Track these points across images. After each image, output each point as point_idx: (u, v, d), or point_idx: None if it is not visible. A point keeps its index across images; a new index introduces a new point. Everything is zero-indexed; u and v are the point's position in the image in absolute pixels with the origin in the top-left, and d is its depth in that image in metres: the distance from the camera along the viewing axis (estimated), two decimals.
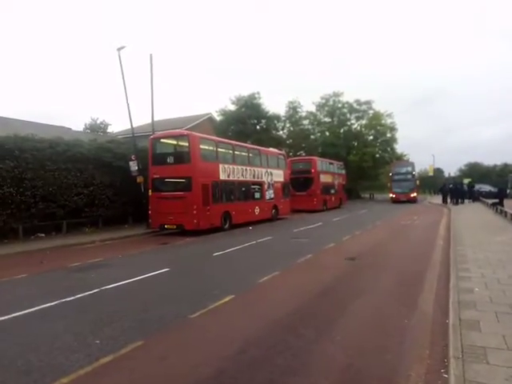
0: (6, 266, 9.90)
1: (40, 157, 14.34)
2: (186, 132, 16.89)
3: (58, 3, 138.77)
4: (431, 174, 59.14)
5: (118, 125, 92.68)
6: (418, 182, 39.43)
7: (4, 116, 24.15)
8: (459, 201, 30.29)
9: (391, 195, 39.38)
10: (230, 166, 17.46)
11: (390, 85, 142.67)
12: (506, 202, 23.57)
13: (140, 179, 16.86)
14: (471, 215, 20.23)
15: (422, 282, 7.23)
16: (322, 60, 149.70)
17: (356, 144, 46.62)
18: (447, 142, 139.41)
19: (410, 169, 39.92)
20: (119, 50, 16.90)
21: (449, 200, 31.99)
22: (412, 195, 37.95)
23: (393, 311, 5.66)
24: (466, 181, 39.70)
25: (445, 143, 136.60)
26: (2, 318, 5.60)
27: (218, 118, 37.48)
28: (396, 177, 39.09)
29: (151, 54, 18.36)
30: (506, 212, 18.01)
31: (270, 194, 20.99)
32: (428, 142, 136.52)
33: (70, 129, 27.61)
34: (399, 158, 49.67)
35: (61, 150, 15.26)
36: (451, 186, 33.37)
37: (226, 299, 6.33)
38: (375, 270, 8.50)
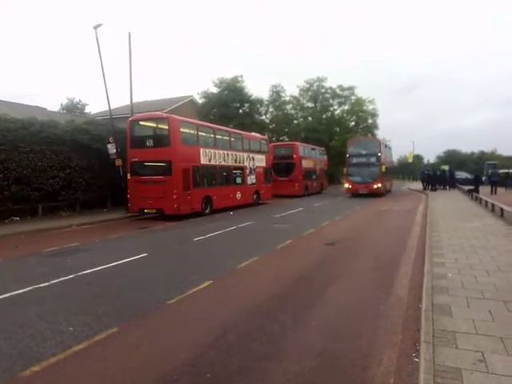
0: None
1: (12, 138, 13.80)
2: (165, 115, 16.54)
3: None
4: (411, 160, 60.25)
5: (95, 106, 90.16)
6: (384, 168, 27.06)
7: None
8: (437, 187, 30.99)
9: (346, 185, 28.30)
10: (212, 151, 17.26)
11: (375, 70, 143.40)
12: (481, 188, 24.21)
13: (118, 162, 16.49)
14: (448, 202, 20.73)
15: (398, 268, 7.38)
16: (307, 43, 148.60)
17: (338, 130, 46.84)
18: (429, 129, 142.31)
19: (374, 149, 27.75)
20: (96, 27, 16.25)
21: (425, 186, 32.70)
22: (375, 186, 26.60)
23: (368, 296, 5.76)
24: (444, 167, 40.66)
25: (426, 130, 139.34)
26: None
27: (200, 100, 36.88)
28: (354, 159, 27.87)
29: (129, 33, 17.81)
30: (480, 199, 18.52)
31: (251, 179, 20.93)
32: (410, 129, 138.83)
33: (44, 109, 26.64)
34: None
35: (35, 130, 14.72)
36: (429, 172, 34.05)
37: (205, 285, 6.31)
38: (353, 256, 8.63)
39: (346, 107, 48.07)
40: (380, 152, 27.40)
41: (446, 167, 41.06)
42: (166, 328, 4.73)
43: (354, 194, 27.03)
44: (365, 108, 46.83)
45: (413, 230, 12.06)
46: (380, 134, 48.97)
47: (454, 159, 72.78)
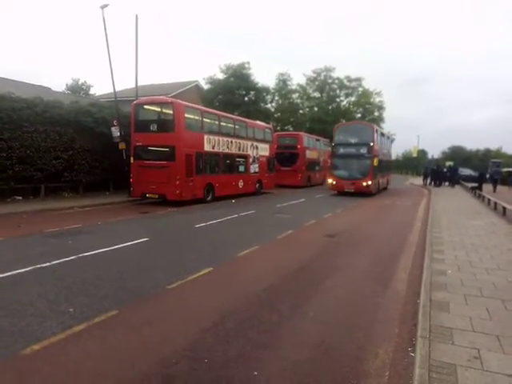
0: None
1: (17, 117, 13.77)
2: (170, 99, 16.43)
3: None
4: (415, 155, 59.86)
5: (100, 87, 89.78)
6: (376, 162, 21.88)
7: None
8: (440, 183, 30.89)
9: (329, 181, 23.29)
10: (215, 137, 17.19)
11: (384, 61, 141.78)
12: (484, 186, 24.14)
13: (122, 146, 16.47)
14: (450, 198, 20.68)
15: (397, 262, 7.41)
16: (316, 32, 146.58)
17: (344, 121, 46.50)
18: (435, 124, 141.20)
19: (366, 137, 22.53)
20: (103, 7, 16.04)
21: (428, 181, 32.57)
22: (364, 183, 21.61)
23: (367, 289, 5.79)
24: (448, 164, 40.43)
25: (432, 125, 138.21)
26: None
27: (206, 86, 36.55)
28: (341, 149, 22.76)
29: (137, 15, 17.60)
30: (483, 196, 18.46)
31: (254, 167, 20.90)
32: (416, 123, 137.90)
33: (49, 89, 26.46)
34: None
35: (39, 110, 14.68)
36: (433, 167, 33.87)
37: (205, 271, 6.36)
38: (353, 249, 8.65)
39: (353, 99, 47.54)
40: (372, 141, 21.96)
41: (450, 163, 40.80)
42: (165, 312, 4.77)
43: (340, 192, 22.34)
44: (372, 100, 46.37)
45: (414, 225, 12.06)
46: (386, 127, 48.68)
47: (458, 155, 72.32)
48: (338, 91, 47.46)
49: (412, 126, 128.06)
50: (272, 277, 6.27)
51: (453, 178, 31.36)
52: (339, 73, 47.25)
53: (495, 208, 14.83)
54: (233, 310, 4.84)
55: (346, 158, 22.36)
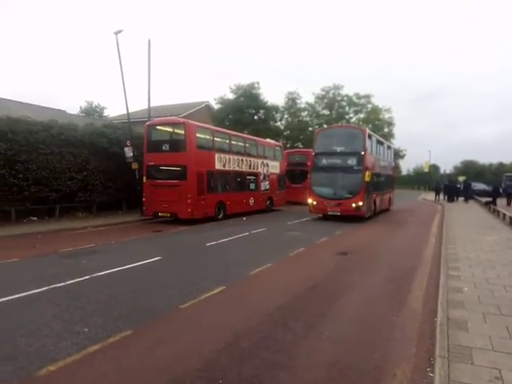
0: None
1: (33, 139, 14.15)
2: (182, 120, 16.73)
3: None
4: (427, 170, 59.32)
5: (113, 109, 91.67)
6: (368, 176, 17.13)
7: (1, 97, 23.82)
8: (454, 198, 30.47)
9: (310, 201, 17.86)
10: (226, 156, 17.37)
11: (392, 79, 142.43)
12: (498, 201, 23.74)
13: (135, 166, 16.74)
14: (464, 213, 20.37)
15: (412, 280, 7.28)
16: (324, 51, 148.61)
17: None
18: (446, 138, 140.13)
19: (355, 145, 17.55)
20: (117, 33, 16.60)
21: (441, 197, 32.16)
22: (354, 204, 16.63)
23: (382, 308, 5.70)
24: (461, 178, 39.96)
25: (443, 140, 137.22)
26: None
27: (216, 106, 37.19)
28: (323, 160, 17.84)
29: (149, 40, 18.13)
30: (498, 211, 18.14)
31: (265, 185, 20.97)
32: (427, 138, 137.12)
33: (64, 111, 27.24)
34: (396, 153, 49.63)
35: (55, 133, 15.07)
36: (446, 183, 33.51)
37: (217, 290, 6.34)
38: (366, 266, 8.54)
39: (362, 115, 47.74)
40: (364, 150, 16.84)
41: (464, 178, 40.31)
42: (178, 332, 4.77)
43: (324, 216, 17.46)
44: (381, 116, 46.51)
45: (428, 241, 11.88)
46: (396, 142, 48.58)
47: (471, 170, 71.46)
48: (346, 108, 47.78)
49: (423, 141, 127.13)
50: (285, 295, 6.22)
51: (466, 193, 30.91)
52: (348, 90, 47.57)
53: (510, 223, 14.55)
54: (246, 329, 4.80)
55: (329, 171, 17.22)
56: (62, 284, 6.59)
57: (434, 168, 75.02)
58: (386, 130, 46.70)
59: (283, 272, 7.90)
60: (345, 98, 47.10)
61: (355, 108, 47.62)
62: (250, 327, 4.87)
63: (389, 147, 24.69)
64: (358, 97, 46.93)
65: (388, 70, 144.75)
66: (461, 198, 30.96)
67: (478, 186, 38.86)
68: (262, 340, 4.46)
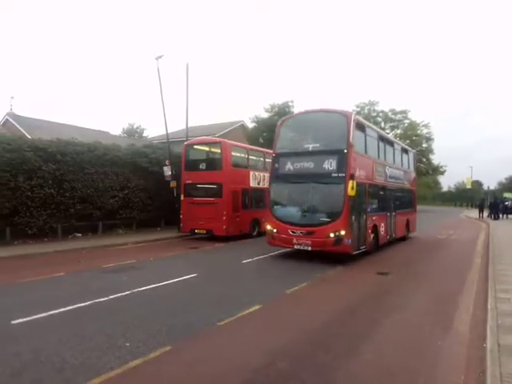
0: (45, 264, 10.37)
1: (79, 160, 14.99)
2: (218, 139, 17.16)
3: (99, 16, 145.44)
4: (469, 186, 56.83)
5: (152, 130, 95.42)
6: (353, 187, 9.88)
7: (50, 120, 25.62)
8: (499, 216, 28.88)
9: (269, 228, 11.56)
10: (261, 174, 17.52)
11: (432, 93, 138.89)
12: None
13: (173, 184, 17.26)
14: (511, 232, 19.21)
15: (458, 302, 6.93)
16: (359, 67, 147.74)
17: None
18: (489, 154, 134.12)
19: (336, 139, 11.00)
20: (157, 58, 17.44)
21: (486, 214, 30.61)
22: (332, 234, 10.24)
23: (426, 331, 5.45)
24: (508, 195, 37.87)
25: (487, 154, 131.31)
26: (42, 315, 5.85)
27: (251, 125, 37.79)
28: (287, 166, 11.54)
29: (187, 64, 18.86)
30: None
31: None
32: (468, 154, 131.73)
33: (107, 133, 28.73)
34: (435, 169, 47.93)
35: (99, 153, 15.90)
36: (491, 200, 31.93)
37: (254, 308, 6.34)
38: (408, 286, 8.24)
39: (399, 131, 46.78)
40: (348, 146, 10.60)
41: (507, 195, 38.17)
42: (216, 350, 4.79)
43: (288, 253, 12.07)
44: (419, 132, 45.35)
45: (473, 261, 11.29)
46: (436, 158, 47.05)
47: None
48: (382, 124, 47.00)
49: (465, 156, 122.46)
50: (324, 315, 6.11)
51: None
52: (384, 106, 46.83)
53: None
54: (284, 349, 4.75)
55: (296, 181, 11.27)
56: (105, 299, 6.82)
57: (477, 184, 71.70)
58: (424, 145, 45.45)
59: (321, 291, 7.79)
60: (380, 114, 46.45)
61: (391, 124, 46.78)
62: (287, 347, 4.81)
63: (405, 150, 17.63)
64: (394, 112, 46.13)
65: (428, 85, 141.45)
66: (509, 216, 29.30)
67: None
68: (300, 360, 4.40)
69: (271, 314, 6.26)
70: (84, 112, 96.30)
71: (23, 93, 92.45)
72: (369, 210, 11.87)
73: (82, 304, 6.47)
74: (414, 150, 20.73)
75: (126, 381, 3.93)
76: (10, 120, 25.45)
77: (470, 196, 60.96)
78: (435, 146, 45.84)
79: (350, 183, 9.94)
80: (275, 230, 11.36)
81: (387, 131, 47.02)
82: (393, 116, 46.36)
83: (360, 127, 11.81)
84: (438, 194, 79.52)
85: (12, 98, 27.90)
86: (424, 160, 45.76)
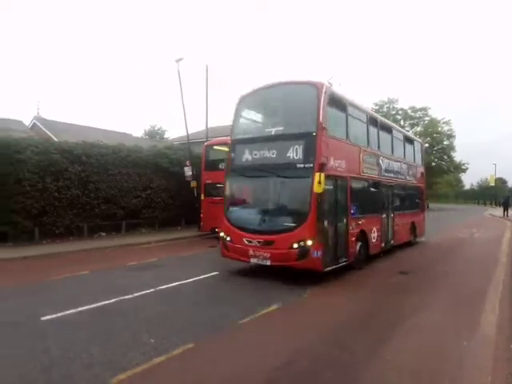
0: (71, 262, 10.69)
1: (104, 162, 15.38)
2: None
3: (123, 21, 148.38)
4: (492, 184, 55.10)
5: (173, 131, 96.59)
6: (321, 182, 7.53)
7: (76, 123, 26.43)
8: None
9: (222, 235, 9.04)
10: None
11: (453, 89, 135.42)
12: None
13: (194, 184, 17.50)
14: None
15: (483, 302, 6.78)
16: (379, 65, 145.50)
17: None
18: None
19: (303, 119, 8.64)
20: (178, 61, 17.69)
21: (511, 212, 29.68)
22: (297, 244, 7.71)
23: (450, 332, 5.37)
24: None
25: (510, 151, 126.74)
26: (68, 312, 6.05)
27: None
28: (245, 155, 9.14)
29: (207, 65, 19.05)
30: None
31: None
32: (491, 151, 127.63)
33: (130, 135, 29.32)
34: (457, 166, 46.70)
35: (122, 155, 16.29)
36: None
37: (275, 307, 6.38)
38: (431, 286, 8.11)
39: (419, 129, 45.94)
40: (319, 127, 8.01)
41: None
42: (239, 347, 4.86)
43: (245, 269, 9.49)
44: (440, 129, 44.38)
45: (499, 260, 10.99)
46: (457, 155, 45.90)
47: None
48: (402, 122, 46.27)
49: (488, 153, 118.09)
50: (345, 315, 6.11)
51: None
52: (403, 104, 45.99)
53: None
54: (306, 347, 4.78)
55: (253, 175, 9.15)
56: (129, 296, 6.98)
57: (501, 181, 69.48)
58: (445, 142, 44.47)
59: (342, 291, 7.77)
60: (400, 112, 45.74)
61: (411, 121, 45.98)
62: (309, 345, 4.84)
63: (409, 140, 15.17)
64: (414, 110, 45.36)
65: (448, 80, 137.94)
66: None
67: None
68: (322, 359, 4.41)
69: (293, 312, 6.29)
70: (108, 115, 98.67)
71: (49, 97, 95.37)
72: (353, 211, 9.21)
73: (108, 301, 6.63)
74: (421, 140, 18.63)
75: (151, 377, 4.03)
76: (38, 124, 26.31)
77: (494, 194, 59.07)
78: (457, 142, 44.91)
79: (317, 176, 7.60)
80: (228, 238, 8.78)
81: (407, 129, 46.23)
82: (412, 113, 45.62)
83: (338, 104, 9.17)
84: (461, 192, 77.71)
85: (39, 101, 28.94)
86: (445, 158, 44.84)
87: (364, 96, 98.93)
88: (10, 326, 5.50)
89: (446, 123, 44.70)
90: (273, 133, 8.93)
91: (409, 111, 45.48)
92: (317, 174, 7.61)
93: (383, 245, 11.31)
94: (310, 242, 7.63)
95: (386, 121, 13.22)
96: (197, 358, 4.47)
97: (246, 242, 8.41)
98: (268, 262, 8.11)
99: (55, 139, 18.56)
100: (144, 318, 5.81)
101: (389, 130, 12.78)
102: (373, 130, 11.11)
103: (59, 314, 5.92)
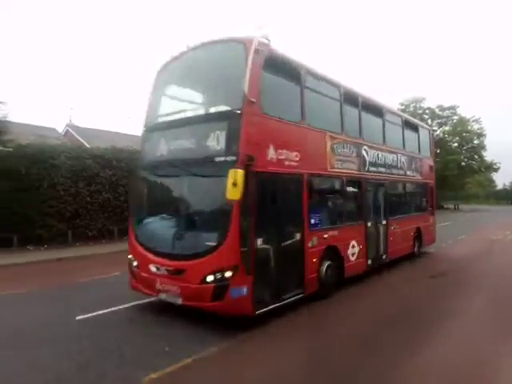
0: (103, 264, 11.04)
1: (133, 166, 15.79)
2: None
3: (130, 22, 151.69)
4: None
5: None
6: (236, 183, 4.87)
7: (106, 130, 27.34)
8: None
9: (130, 257, 6.53)
10: None
11: (483, 86, 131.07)
12: None
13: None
14: None
15: None
16: (406, 60, 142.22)
17: (438, 151, 43.52)
18: None
19: (233, 103, 5.66)
20: None
21: None
22: (213, 276, 5.23)
23: (486, 336, 5.22)
24: None
25: None
26: (103, 312, 6.24)
27: None
28: (158, 151, 6.45)
29: None
30: None
31: None
32: None
33: None
34: (488, 166, 45.00)
35: None
36: None
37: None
38: (464, 290, 7.90)
39: (447, 128, 44.61)
40: (244, 102, 5.41)
41: None
42: (259, 352, 4.85)
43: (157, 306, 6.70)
44: (469, 128, 42.97)
45: None
46: (488, 155, 44.27)
47: None
48: (429, 121, 45.04)
49: None
50: (374, 320, 6.00)
51: None
52: (431, 102, 44.70)
53: None
54: (331, 351, 4.78)
55: (164, 174, 6.66)
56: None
57: None
58: (476, 141, 43.01)
59: (371, 294, 7.67)
60: (427, 111, 44.52)
61: (439, 120, 44.69)
62: (335, 350, 4.84)
63: (410, 125, 12.22)
64: (442, 109, 44.03)
65: (477, 78, 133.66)
66: None
67: None
68: (349, 365, 4.40)
69: (321, 313, 6.25)
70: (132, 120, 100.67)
71: (80, 104, 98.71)
72: (314, 221, 6.78)
73: (138, 302, 6.73)
74: (428, 127, 15.60)
75: (180, 377, 4.12)
76: (70, 130, 27.27)
77: None
78: (488, 141, 43.11)
79: (232, 175, 4.96)
80: (135, 264, 6.44)
81: (435, 129, 45.04)
82: (440, 112, 44.32)
83: (285, 71, 6.55)
84: (492, 193, 74.98)
85: (71, 109, 29.81)
86: (476, 157, 43.32)
87: (391, 95, 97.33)
88: (49, 325, 5.71)
89: (476, 121, 43.21)
90: (190, 114, 6.79)
91: (436, 110, 44.18)
92: (231, 172, 4.97)
93: (369, 262, 8.70)
94: (228, 273, 5.15)
95: (375, 99, 9.90)
96: (221, 361, 4.50)
97: (154, 270, 5.95)
98: (179, 301, 5.65)
99: (87, 145, 19.22)
100: (175, 318, 5.83)
101: (378, 111, 9.85)
102: (351, 111, 8.43)
103: (93, 314, 6.11)
